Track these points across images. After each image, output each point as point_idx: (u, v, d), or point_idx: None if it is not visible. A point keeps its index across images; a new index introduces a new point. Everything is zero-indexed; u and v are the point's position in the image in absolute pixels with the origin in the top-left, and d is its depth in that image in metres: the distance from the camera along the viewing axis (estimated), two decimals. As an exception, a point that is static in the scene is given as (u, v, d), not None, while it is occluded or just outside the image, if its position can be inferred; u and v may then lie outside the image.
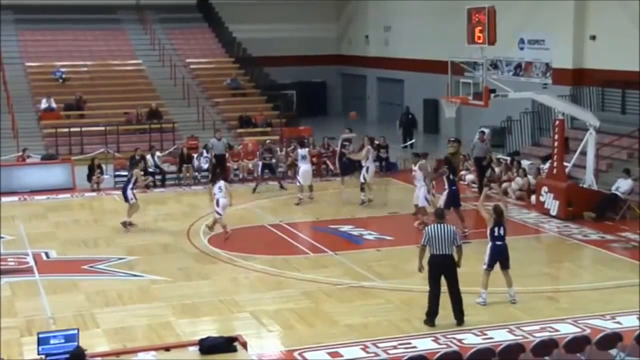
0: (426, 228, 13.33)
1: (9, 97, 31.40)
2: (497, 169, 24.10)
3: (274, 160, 24.91)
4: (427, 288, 13.00)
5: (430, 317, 12.97)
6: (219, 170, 23.33)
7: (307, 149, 23.22)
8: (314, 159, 26.86)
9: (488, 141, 24.34)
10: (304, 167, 22.34)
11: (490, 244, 13.94)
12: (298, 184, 22.41)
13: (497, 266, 13.95)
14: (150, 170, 25.02)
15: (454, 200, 18.54)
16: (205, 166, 25.67)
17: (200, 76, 35.99)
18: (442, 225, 12.92)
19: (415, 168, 19.62)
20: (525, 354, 10.30)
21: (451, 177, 18.64)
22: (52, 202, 23.14)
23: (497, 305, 13.98)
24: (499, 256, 13.92)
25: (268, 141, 25.98)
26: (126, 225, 19.45)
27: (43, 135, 30.29)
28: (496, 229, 13.84)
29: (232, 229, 18.62)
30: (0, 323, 13.00)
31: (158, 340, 12.16)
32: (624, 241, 18.29)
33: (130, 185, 19.61)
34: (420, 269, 13.10)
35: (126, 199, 19.57)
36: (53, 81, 33.61)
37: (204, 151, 26.24)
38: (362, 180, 21.73)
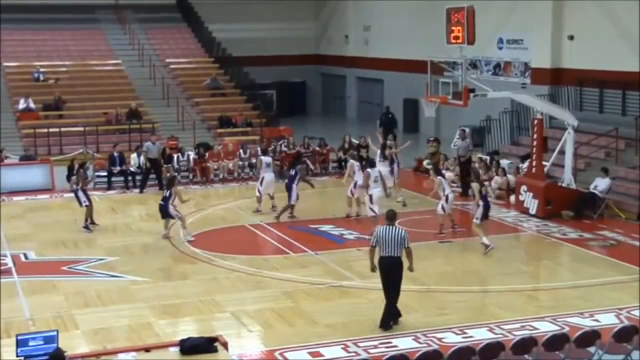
0: (376, 229, 13.13)
1: (-14, 97, 31.26)
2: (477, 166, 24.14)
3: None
4: (408, 287, 13.00)
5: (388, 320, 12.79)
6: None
7: (270, 158, 22.15)
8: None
9: (469, 139, 24.44)
10: (268, 177, 21.07)
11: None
12: (258, 193, 21.10)
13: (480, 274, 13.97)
14: (131, 169, 24.97)
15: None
16: (133, 169, 24.98)
17: (180, 76, 35.87)
18: (391, 227, 12.69)
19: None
20: (505, 352, 10.34)
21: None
22: (31, 202, 22.99)
23: (477, 304, 14.05)
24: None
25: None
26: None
27: (21, 135, 30.10)
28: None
29: (213, 229, 18.48)
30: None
31: (138, 341, 12.12)
32: (602, 239, 18.42)
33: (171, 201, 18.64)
34: (373, 269, 12.90)
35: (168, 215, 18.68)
36: (31, 81, 33.41)
37: (135, 155, 25.21)
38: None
